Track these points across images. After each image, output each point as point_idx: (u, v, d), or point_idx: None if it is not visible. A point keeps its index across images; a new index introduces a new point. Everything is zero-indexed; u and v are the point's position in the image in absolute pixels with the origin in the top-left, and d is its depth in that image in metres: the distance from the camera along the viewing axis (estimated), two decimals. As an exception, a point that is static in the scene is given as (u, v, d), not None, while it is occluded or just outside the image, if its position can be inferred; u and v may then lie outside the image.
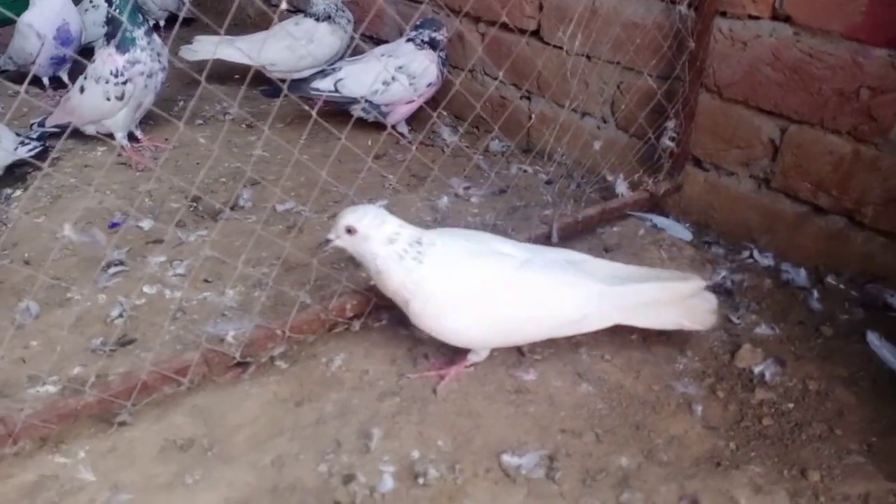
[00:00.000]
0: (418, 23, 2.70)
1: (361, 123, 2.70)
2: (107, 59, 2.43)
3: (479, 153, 2.54)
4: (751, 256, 2.06)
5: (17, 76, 3.28)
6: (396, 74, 2.65)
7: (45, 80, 3.20)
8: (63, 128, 2.66)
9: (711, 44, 2.03)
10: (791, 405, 1.59)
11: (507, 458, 1.45)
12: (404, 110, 2.77)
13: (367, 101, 2.66)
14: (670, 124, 2.12)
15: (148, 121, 2.78)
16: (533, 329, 1.60)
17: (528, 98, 2.69)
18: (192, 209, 2.32)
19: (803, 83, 1.89)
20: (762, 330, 1.79)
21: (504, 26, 2.56)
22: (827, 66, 1.83)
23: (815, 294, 1.90)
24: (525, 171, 2.55)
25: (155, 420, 1.51)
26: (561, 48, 2.46)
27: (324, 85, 2.70)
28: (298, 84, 2.89)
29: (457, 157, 2.62)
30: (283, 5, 1.41)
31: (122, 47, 2.42)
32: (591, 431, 1.52)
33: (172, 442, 1.47)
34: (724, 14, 2.00)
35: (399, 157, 2.73)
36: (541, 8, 2.52)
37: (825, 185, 1.93)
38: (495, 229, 2.07)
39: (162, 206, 2.33)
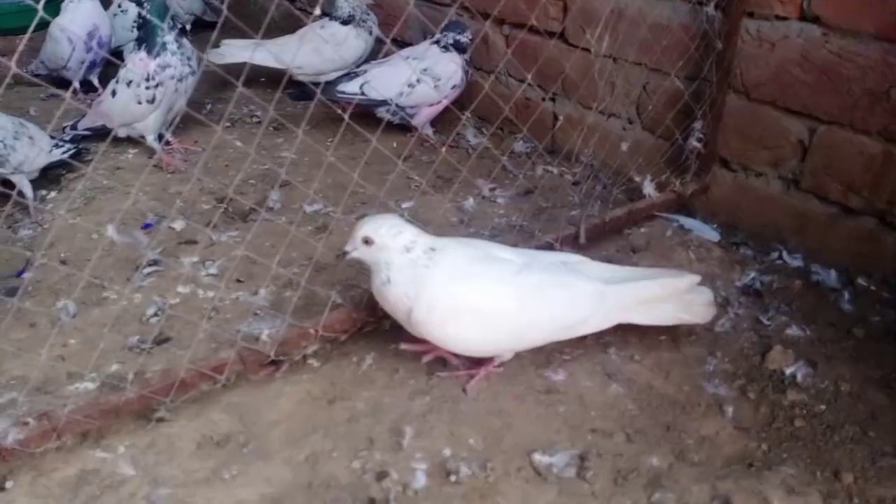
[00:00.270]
0: (443, 25, 2.72)
1: (386, 126, 2.73)
2: (138, 63, 2.48)
3: (505, 156, 2.54)
4: (780, 258, 2.05)
5: (49, 80, 3.34)
6: (422, 77, 2.67)
7: (77, 84, 3.25)
8: (95, 130, 2.71)
9: (739, 45, 2.03)
10: (823, 407, 1.59)
11: (538, 457, 1.46)
12: (429, 112, 2.79)
13: (392, 103, 2.69)
14: (697, 125, 2.12)
15: (177, 123, 2.82)
16: (535, 332, 1.60)
17: (553, 100, 2.70)
18: (222, 210, 2.35)
19: (832, 84, 1.89)
20: (793, 331, 1.79)
21: (529, 28, 2.57)
22: (857, 66, 1.82)
23: (846, 295, 1.89)
24: (550, 172, 2.56)
25: (192, 416, 1.54)
26: (586, 50, 2.47)
27: (350, 88, 2.73)
28: (324, 87, 2.92)
29: (482, 159, 2.63)
30: (317, 10, 1.43)
31: (154, 51, 2.47)
32: (621, 431, 1.53)
33: (209, 438, 1.50)
34: (751, 15, 2.00)
35: (424, 158, 2.75)
36: (565, 10, 2.53)
37: (856, 186, 1.92)
38: (522, 231, 2.08)
39: (193, 208, 2.36)
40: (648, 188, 2.17)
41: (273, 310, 1.83)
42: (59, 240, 2.17)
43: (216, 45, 3.16)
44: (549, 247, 1.96)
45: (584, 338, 1.78)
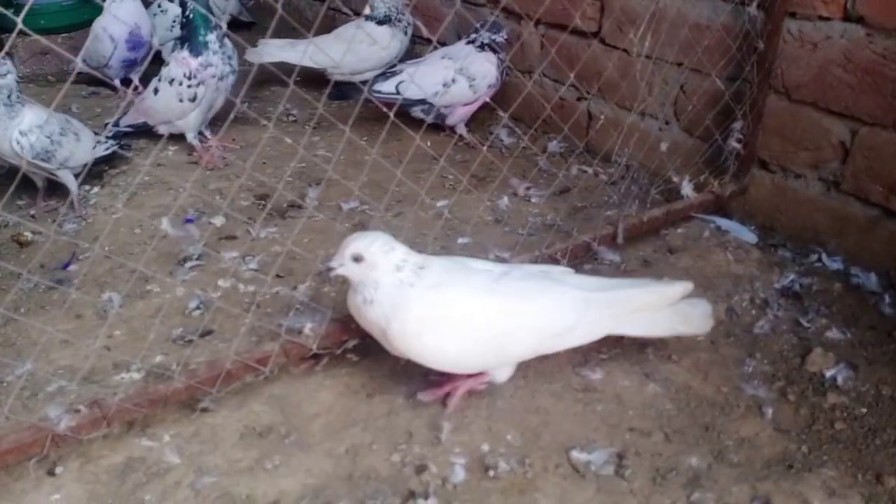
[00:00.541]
0: (479, 25, 2.73)
1: (419, 125, 2.75)
2: (181, 62, 2.52)
3: (543, 157, 2.55)
4: (819, 260, 2.04)
5: (90, 78, 3.41)
6: (457, 76, 2.69)
7: (117, 83, 3.33)
8: (136, 127, 2.77)
9: (780, 45, 2.02)
10: (864, 410, 1.57)
11: (576, 455, 1.46)
12: (464, 112, 2.81)
13: (427, 102, 2.71)
14: (737, 126, 2.11)
15: (216, 122, 2.87)
16: (519, 341, 1.52)
17: (587, 99, 2.70)
18: (260, 207, 2.39)
19: (876, 85, 1.87)
20: (833, 334, 1.77)
21: (565, 28, 2.58)
22: (902, 67, 1.81)
23: (887, 299, 1.87)
24: (585, 172, 2.56)
25: (235, 408, 1.57)
26: (622, 49, 2.47)
27: (386, 87, 2.76)
28: (360, 86, 2.95)
29: (515, 158, 2.64)
30: (367, 10, 1.45)
31: (196, 51, 2.51)
32: (659, 431, 1.53)
33: (252, 429, 1.53)
34: (793, 15, 1.99)
35: (458, 157, 2.76)
36: (602, 10, 2.53)
37: (899, 189, 1.90)
38: (558, 230, 2.09)
39: (232, 204, 2.40)
40: (687, 189, 2.16)
41: (312, 304, 1.85)
42: (102, 234, 2.22)
43: (254, 45, 3.22)
44: (587, 246, 1.97)
45: (620, 337, 1.79)
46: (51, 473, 1.43)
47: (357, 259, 1.45)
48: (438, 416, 1.56)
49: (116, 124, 2.79)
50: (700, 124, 2.24)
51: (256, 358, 1.51)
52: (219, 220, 2.28)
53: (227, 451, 1.48)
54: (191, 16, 2.50)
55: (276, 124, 3.03)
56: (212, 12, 2.58)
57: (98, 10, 3.18)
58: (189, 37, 2.53)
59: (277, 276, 1.99)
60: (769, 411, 1.57)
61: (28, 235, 2.25)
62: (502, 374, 1.57)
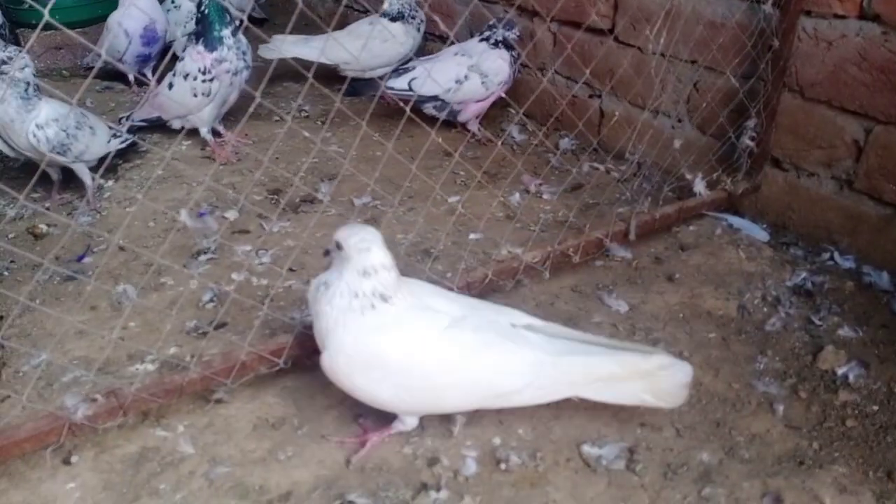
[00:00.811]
0: (491, 22, 2.74)
1: (431, 122, 2.76)
2: (196, 57, 2.54)
3: (556, 154, 2.56)
4: (831, 259, 2.04)
5: (104, 73, 3.44)
6: (469, 73, 2.70)
7: (131, 77, 3.35)
8: (150, 122, 2.79)
9: (795, 43, 2.01)
10: (876, 407, 1.57)
11: (587, 449, 1.47)
12: (476, 109, 2.81)
13: (440, 99, 2.72)
14: (750, 124, 2.11)
15: (228, 116, 2.88)
16: (456, 398, 1.43)
17: (599, 96, 2.70)
18: (273, 202, 2.40)
19: (891, 83, 1.86)
20: (845, 332, 1.77)
21: (577, 25, 2.58)
22: (918, 66, 1.80)
23: (900, 298, 1.87)
24: (597, 169, 2.57)
25: (248, 399, 1.58)
26: (636, 47, 2.47)
27: (398, 84, 2.76)
28: (372, 83, 2.97)
29: (527, 156, 2.65)
30: (386, 6, 1.46)
31: (210, 46, 2.53)
32: (670, 426, 1.54)
33: (265, 420, 1.54)
34: (809, 13, 1.98)
35: (469, 154, 2.77)
36: (616, 8, 2.53)
37: (912, 188, 1.90)
38: (570, 227, 2.09)
39: (245, 199, 2.42)
40: (699, 186, 2.16)
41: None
42: (116, 227, 2.24)
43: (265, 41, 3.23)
44: (599, 242, 1.97)
45: (632, 332, 1.80)
46: (66, 462, 1.44)
47: (339, 246, 1.40)
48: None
49: (130, 119, 2.81)
50: (713, 122, 2.24)
51: (271, 350, 1.52)
52: (232, 215, 2.29)
53: (241, 441, 1.49)
54: (206, 11, 2.52)
55: (288, 121, 3.04)
56: (227, 10, 2.59)
57: (112, 6, 3.20)
58: (204, 32, 2.55)
59: (290, 269, 2.00)
60: (780, 408, 1.57)
61: (43, 228, 2.27)
62: (408, 425, 1.48)
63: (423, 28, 3.19)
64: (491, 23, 2.74)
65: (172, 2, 3.64)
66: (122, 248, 2.13)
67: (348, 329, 1.37)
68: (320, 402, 1.58)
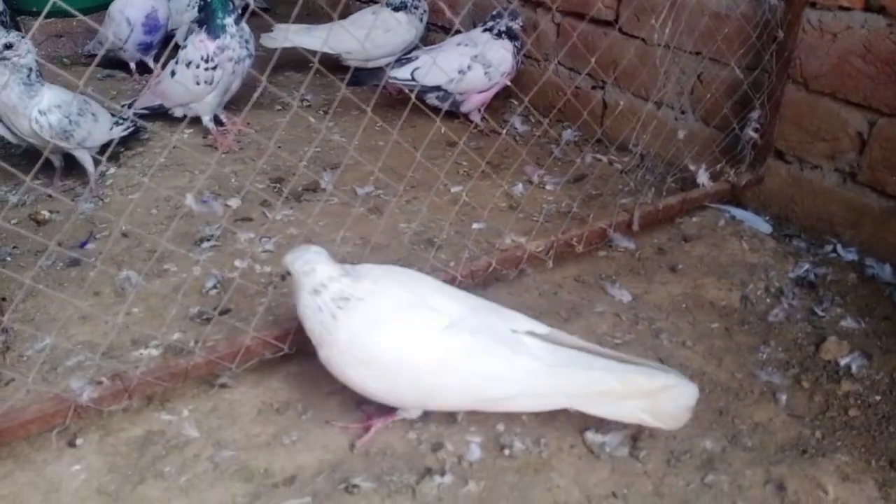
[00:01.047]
0: (495, 12, 2.74)
1: (434, 112, 2.76)
2: (198, 45, 2.53)
3: (559, 146, 2.56)
4: (834, 251, 2.04)
5: (105, 61, 3.43)
6: (472, 63, 2.69)
7: (132, 66, 3.34)
8: (152, 109, 2.78)
9: (800, 35, 2.01)
10: (878, 398, 1.58)
11: (590, 436, 1.47)
12: (478, 99, 2.81)
13: (442, 89, 2.72)
14: (754, 115, 2.11)
15: (230, 105, 2.88)
16: (447, 398, 1.43)
17: (602, 88, 2.70)
18: (275, 190, 2.40)
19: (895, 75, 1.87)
20: (847, 323, 1.78)
21: (581, 16, 2.58)
22: (923, 58, 1.81)
23: (902, 290, 1.88)
24: (600, 160, 2.57)
25: (253, 384, 1.58)
26: (638, 38, 2.47)
27: (401, 74, 2.76)
28: (374, 73, 2.96)
29: (530, 147, 2.65)
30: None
31: (213, 34, 2.52)
32: (674, 414, 1.54)
33: (269, 405, 1.54)
34: (813, 5, 1.99)
35: (472, 144, 2.77)
36: (620, -1, 2.53)
37: (916, 180, 1.90)
38: (573, 217, 2.09)
39: (247, 187, 2.41)
40: (703, 177, 2.16)
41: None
42: (119, 214, 2.24)
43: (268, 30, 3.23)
44: (602, 232, 1.97)
45: (635, 322, 1.81)
46: (71, 445, 1.44)
47: (288, 273, 1.45)
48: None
49: (131, 106, 2.81)
50: (716, 114, 2.24)
51: (276, 335, 1.52)
52: (234, 202, 2.29)
53: (246, 426, 1.49)
54: (209, -1, 2.51)
55: (289, 109, 3.04)
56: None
57: (115, -7, 3.20)
58: (207, 19, 2.54)
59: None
60: (783, 397, 1.58)
61: (45, 214, 2.27)
62: (412, 413, 1.49)
63: (426, 18, 3.19)
64: (494, 13, 2.74)
65: (174, -11, 3.63)
66: (124, 235, 2.13)
67: (339, 327, 1.38)
68: (324, 388, 1.58)
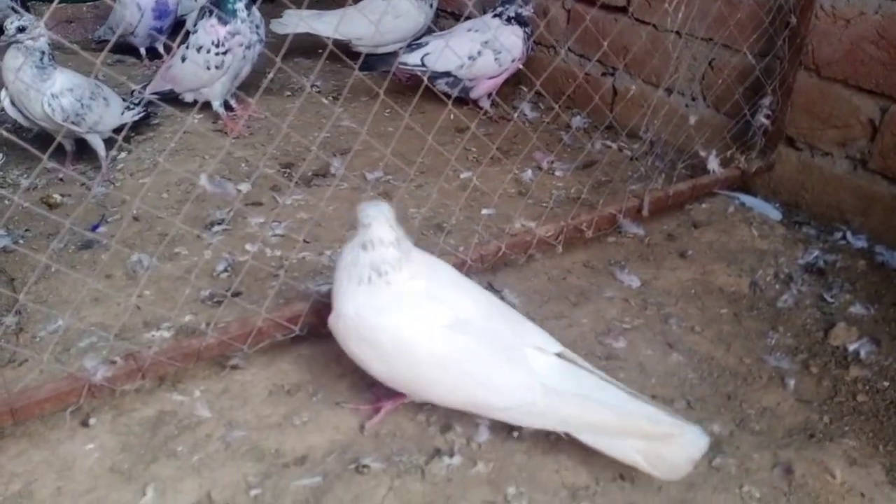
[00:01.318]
0: (506, -2, 2.73)
1: (444, 98, 2.75)
2: (209, 30, 2.54)
3: (569, 132, 2.55)
4: (843, 238, 2.04)
5: (115, 46, 3.43)
6: (482, 49, 2.69)
7: (142, 51, 3.35)
8: (163, 95, 2.79)
9: (813, 21, 2.00)
10: (886, 383, 1.58)
11: (599, 419, 1.48)
12: (488, 85, 2.81)
13: (452, 75, 2.72)
14: (765, 102, 2.10)
15: (240, 91, 2.88)
16: (441, 395, 1.41)
17: (612, 74, 2.69)
18: (285, 175, 2.41)
19: (909, 62, 1.86)
20: (856, 309, 1.78)
21: (592, 2, 2.57)
22: (937, 43, 1.79)
23: (912, 277, 1.87)
24: (609, 147, 2.56)
25: (264, 366, 1.60)
26: (650, 24, 2.46)
27: (411, 59, 2.76)
28: (384, 58, 2.96)
29: (539, 133, 2.64)
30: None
31: (224, 19, 2.52)
32: (682, 399, 1.55)
33: (280, 386, 1.56)
34: (826, -10, 1.97)
35: (481, 130, 2.77)
36: (631, -16, 2.52)
37: (927, 167, 1.89)
38: (582, 203, 2.09)
39: (257, 172, 2.42)
40: (713, 164, 2.15)
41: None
42: (130, 198, 2.25)
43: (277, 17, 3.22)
44: (612, 218, 1.97)
45: (644, 307, 1.81)
46: (84, 424, 1.46)
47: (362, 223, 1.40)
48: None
49: (142, 91, 2.81)
50: (727, 100, 2.24)
51: (287, 317, 1.54)
52: (245, 187, 2.30)
53: (257, 406, 1.51)
54: (220, -16, 2.51)
55: (299, 95, 3.04)
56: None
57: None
58: (217, 4, 2.54)
59: (304, 241, 2.01)
60: (791, 382, 1.58)
61: (57, 198, 2.28)
62: (420, 399, 1.48)
63: (435, 4, 3.18)
64: (505, -1, 2.73)
65: (184, -24, 3.63)
66: (136, 219, 2.15)
67: (350, 298, 1.39)
68: (334, 370, 1.59)
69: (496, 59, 2.69)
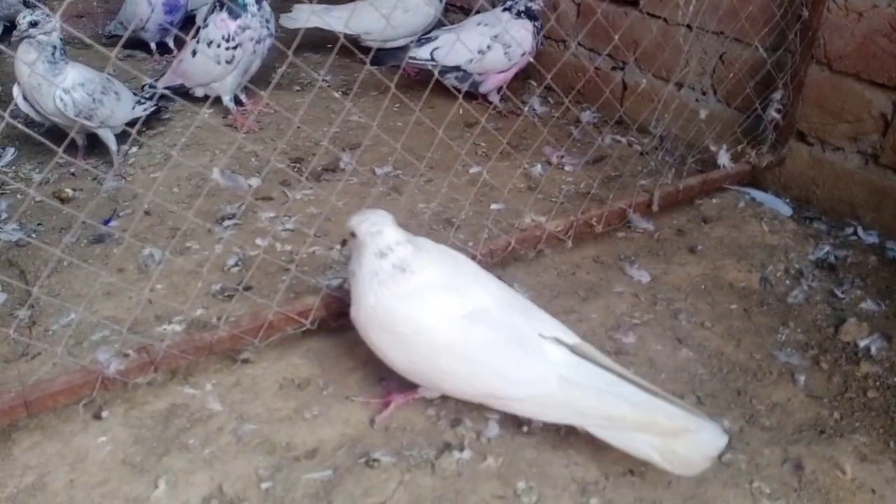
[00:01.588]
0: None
1: (451, 92, 2.75)
2: (220, 24, 2.54)
3: (578, 126, 2.55)
4: (854, 233, 2.03)
5: (126, 42, 3.44)
6: (492, 43, 2.68)
7: (153, 46, 3.36)
8: (173, 89, 2.79)
9: (825, 14, 1.99)
10: (897, 380, 1.58)
11: (609, 414, 1.48)
12: (498, 80, 2.80)
13: (462, 69, 2.71)
14: (776, 96, 2.09)
15: (250, 86, 2.88)
16: (456, 386, 1.42)
17: (622, 69, 2.68)
18: (295, 170, 2.42)
19: (922, 56, 1.84)
20: (867, 305, 1.78)
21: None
22: (950, 37, 1.78)
23: (923, 273, 1.86)
24: (619, 141, 2.56)
25: (275, 360, 1.61)
26: (660, 18, 2.45)
27: (420, 53, 2.76)
28: (393, 53, 2.96)
29: (549, 127, 2.64)
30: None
31: (234, 13, 2.53)
32: (692, 394, 1.55)
33: (291, 380, 1.57)
34: (839, -17, 1.96)
35: (490, 125, 2.76)
36: (641, -22, 2.51)
37: (940, 162, 1.88)
38: (592, 198, 2.09)
39: (268, 166, 2.43)
40: (723, 158, 2.14)
41: (347, 265, 1.88)
42: (141, 192, 2.26)
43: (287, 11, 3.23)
44: (622, 212, 1.97)
45: (654, 303, 1.81)
46: (97, 417, 1.48)
47: (353, 234, 1.44)
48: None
49: (153, 86, 2.82)
50: (738, 95, 2.22)
51: (298, 311, 1.54)
52: (255, 182, 2.30)
53: (268, 400, 1.52)
54: (231, -20, 2.52)
55: (309, 90, 3.05)
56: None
57: (135, -27, 3.20)
58: (228, -1, 2.55)
59: (315, 236, 2.02)
60: (802, 378, 1.58)
61: (69, 192, 2.30)
62: (432, 393, 1.49)
63: (444, -1, 3.17)
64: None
65: (193, -30, 3.63)
66: (147, 213, 2.16)
67: (370, 291, 1.39)
68: (345, 364, 1.60)
69: (506, 54, 2.69)
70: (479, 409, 1.49)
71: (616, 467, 1.38)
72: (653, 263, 1.94)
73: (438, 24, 3.18)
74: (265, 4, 2.58)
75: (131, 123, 2.46)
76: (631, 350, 1.66)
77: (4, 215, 2.14)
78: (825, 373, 1.60)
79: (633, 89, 2.62)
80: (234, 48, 2.55)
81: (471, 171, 2.40)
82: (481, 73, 2.75)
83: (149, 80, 2.65)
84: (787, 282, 1.87)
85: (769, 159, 2.17)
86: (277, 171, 2.40)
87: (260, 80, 2.87)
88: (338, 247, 1.96)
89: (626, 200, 1.97)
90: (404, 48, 2.86)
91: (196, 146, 2.55)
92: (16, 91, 2.29)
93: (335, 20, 3.03)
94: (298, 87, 3.07)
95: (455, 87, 2.67)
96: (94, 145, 2.47)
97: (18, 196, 2.22)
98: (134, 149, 2.56)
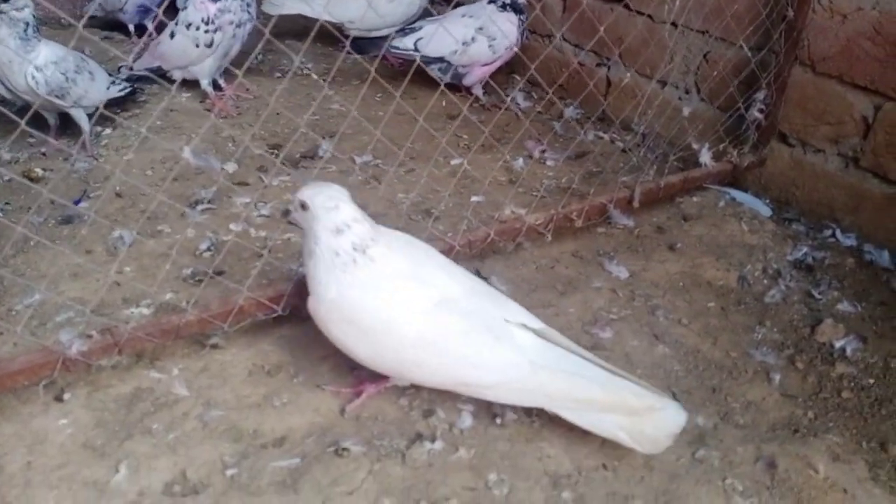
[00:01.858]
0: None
1: (435, 84, 2.73)
2: (199, 7, 2.49)
3: (560, 122, 2.53)
4: (833, 235, 2.04)
5: (103, 23, 3.38)
6: (476, 35, 2.66)
7: (131, 28, 3.29)
8: (151, 72, 2.74)
9: (810, 15, 1.99)
10: (871, 381, 1.58)
11: (583, 408, 1.46)
12: (481, 72, 2.78)
13: (445, 61, 2.69)
14: (759, 96, 2.09)
15: (229, 70, 2.83)
16: (424, 375, 1.39)
17: (606, 65, 2.67)
18: (273, 156, 2.38)
19: (905, 60, 1.85)
20: (844, 307, 1.77)
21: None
22: (933, 42, 1.78)
23: (900, 276, 1.87)
24: (601, 138, 2.55)
25: (245, 346, 1.57)
26: (645, 14, 2.44)
27: (404, 44, 2.73)
28: (376, 42, 2.93)
29: (531, 122, 2.62)
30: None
31: (215, -5, 2.48)
32: (667, 390, 1.53)
33: (261, 367, 1.53)
34: (824, -15, 1.96)
35: (473, 117, 2.73)
36: (627, -25, 2.49)
37: (919, 166, 1.89)
38: (573, 193, 2.08)
39: (244, 152, 2.39)
40: (705, 157, 2.14)
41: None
42: (113, 174, 2.21)
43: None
44: (602, 207, 1.96)
45: (631, 299, 1.80)
46: (58, 399, 1.43)
47: (303, 206, 1.36)
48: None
49: (130, 68, 2.76)
50: (721, 94, 2.22)
51: (270, 296, 1.51)
52: (231, 167, 2.26)
53: (236, 386, 1.48)
54: (211, -41, 2.47)
55: (290, 77, 3.00)
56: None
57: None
58: (209, -20, 2.50)
59: (289, 222, 1.98)
60: (777, 377, 1.57)
61: (39, 172, 2.24)
62: (403, 382, 1.46)
63: (430, -11, 3.14)
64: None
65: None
66: (118, 195, 2.11)
67: (332, 281, 1.34)
68: (316, 352, 1.57)
69: (490, 46, 2.66)
70: (452, 400, 1.47)
71: (589, 461, 1.36)
72: (632, 260, 1.93)
73: (425, 14, 3.15)
74: (247, -13, 2.54)
75: (109, 104, 2.41)
76: (607, 345, 1.64)
77: (-29, 193, 2.08)
78: (800, 372, 1.60)
79: (616, 85, 2.61)
80: (214, 31, 2.50)
81: (452, 162, 2.38)
82: (465, 65, 2.72)
83: (125, 62, 2.59)
84: (765, 281, 1.86)
85: (750, 159, 2.17)
86: (255, 156, 2.36)
87: (239, 65, 2.81)
88: (278, 216, 1.89)
89: (607, 196, 1.95)
90: (386, 38, 2.82)
91: (172, 129, 2.50)
92: (-13, 68, 2.23)
93: (318, 7, 2.99)
94: (279, 74, 3.02)
95: (438, 78, 2.64)
96: (65, 126, 2.41)
97: (-14, 174, 2.15)
98: (108, 130, 2.50)
